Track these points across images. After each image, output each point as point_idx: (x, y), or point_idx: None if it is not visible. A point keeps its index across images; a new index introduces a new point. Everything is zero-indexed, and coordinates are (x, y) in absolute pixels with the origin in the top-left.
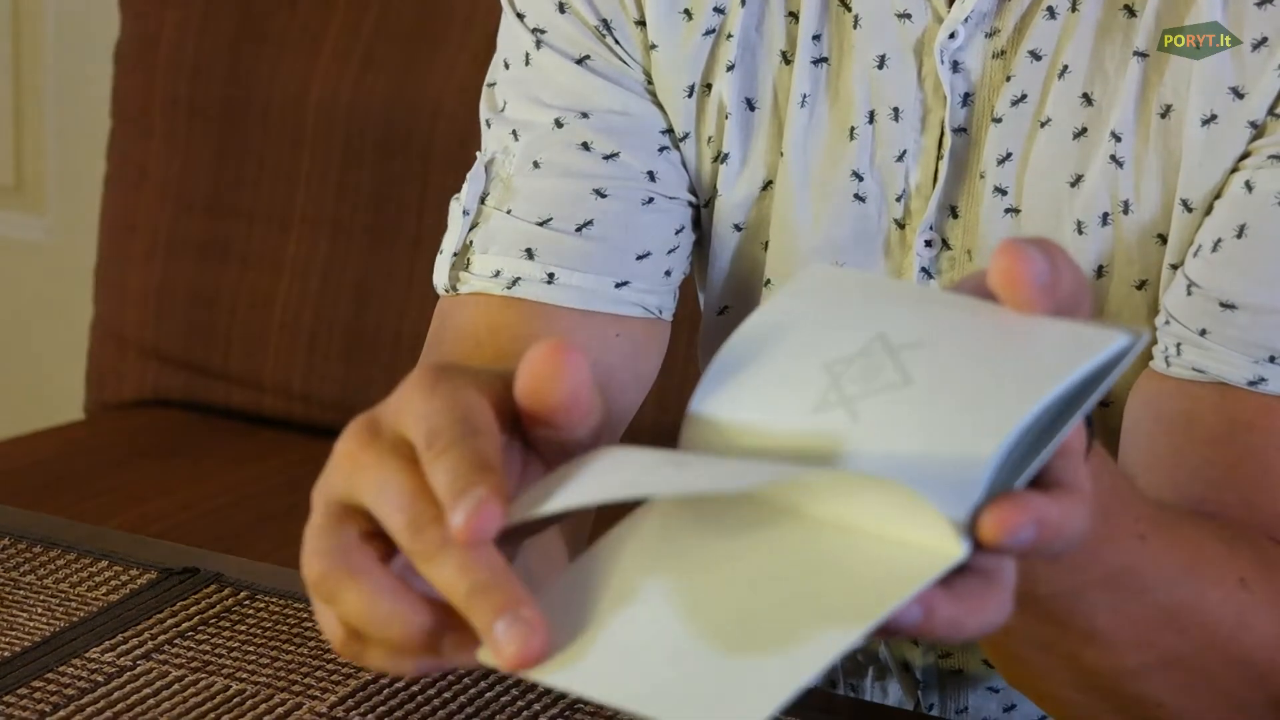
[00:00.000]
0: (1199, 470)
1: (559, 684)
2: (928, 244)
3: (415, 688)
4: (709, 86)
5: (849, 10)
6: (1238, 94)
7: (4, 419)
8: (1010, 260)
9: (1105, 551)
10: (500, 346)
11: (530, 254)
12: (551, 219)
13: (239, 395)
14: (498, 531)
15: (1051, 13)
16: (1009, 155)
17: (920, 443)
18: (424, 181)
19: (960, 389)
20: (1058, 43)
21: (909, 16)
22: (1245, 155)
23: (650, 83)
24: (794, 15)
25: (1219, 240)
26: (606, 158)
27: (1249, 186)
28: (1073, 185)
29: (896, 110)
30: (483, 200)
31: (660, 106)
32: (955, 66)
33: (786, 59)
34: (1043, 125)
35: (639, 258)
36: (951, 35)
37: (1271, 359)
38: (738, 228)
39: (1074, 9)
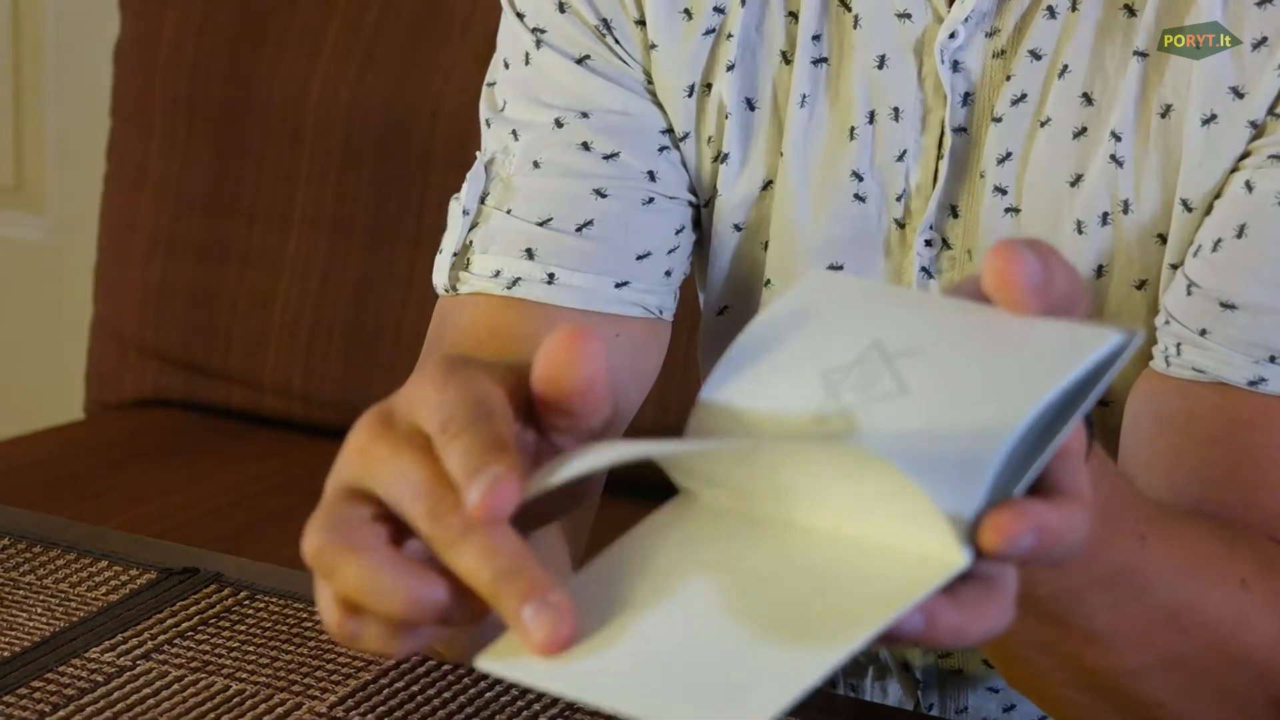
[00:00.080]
0: (1199, 470)
1: (557, 689)
2: (928, 244)
3: (415, 688)
4: (709, 86)
5: (849, 10)
6: (1238, 94)
7: (4, 419)
8: (1002, 261)
9: (1106, 552)
10: (500, 347)
11: (530, 254)
12: (551, 219)
13: (239, 395)
14: (514, 508)
15: (1051, 12)
16: (1009, 155)
17: (918, 452)
18: (424, 181)
19: (957, 396)
20: (1058, 42)
21: (909, 16)
22: (1245, 155)
23: (650, 82)
24: (794, 15)
25: (1219, 240)
26: (606, 158)
27: (1249, 186)
28: (1072, 185)
29: (896, 110)
30: (482, 200)
31: (660, 106)
32: (955, 66)
33: (786, 59)
34: (1043, 125)
35: (639, 258)
36: (952, 35)
37: (1271, 359)
38: (737, 228)
39: (1074, 8)
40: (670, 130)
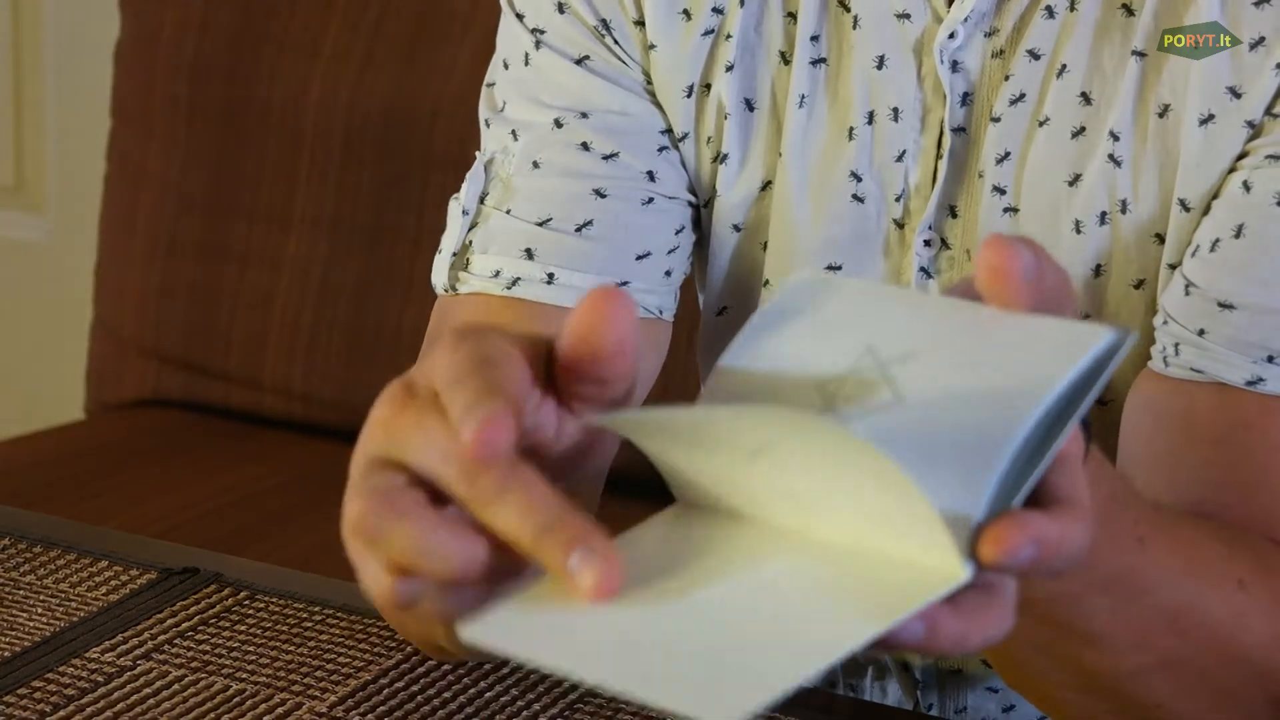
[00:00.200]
0: (1197, 470)
1: (550, 664)
2: (927, 243)
3: (415, 688)
4: (708, 87)
5: (848, 11)
6: (1235, 94)
7: (4, 419)
8: (997, 255)
9: (1104, 555)
10: None
11: (530, 254)
12: (551, 219)
13: (239, 395)
14: (509, 445)
15: (1050, 12)
16: (1007, 154)
17: (917, 464)
18: (424, 181)
19: (953, 404)
20: (1056, 42)
21: (908, 16)
22: (1243, 155)
23: (649, 83)
24: (792, 15)
25: (1217, 240)
26: (606, 158)
27: (1247, 187)
28: (1071, 184)
29: (896, 110)
30: (482, 200)
31: (659, 107)
32: (954, 66)
33: (785, 59)
34: (1041, 124)
35: (639, 258)
36: (951, 35)
37: (1270, 359)
38: (737, 228)
39: (1072, 8)
40: (669, 130)
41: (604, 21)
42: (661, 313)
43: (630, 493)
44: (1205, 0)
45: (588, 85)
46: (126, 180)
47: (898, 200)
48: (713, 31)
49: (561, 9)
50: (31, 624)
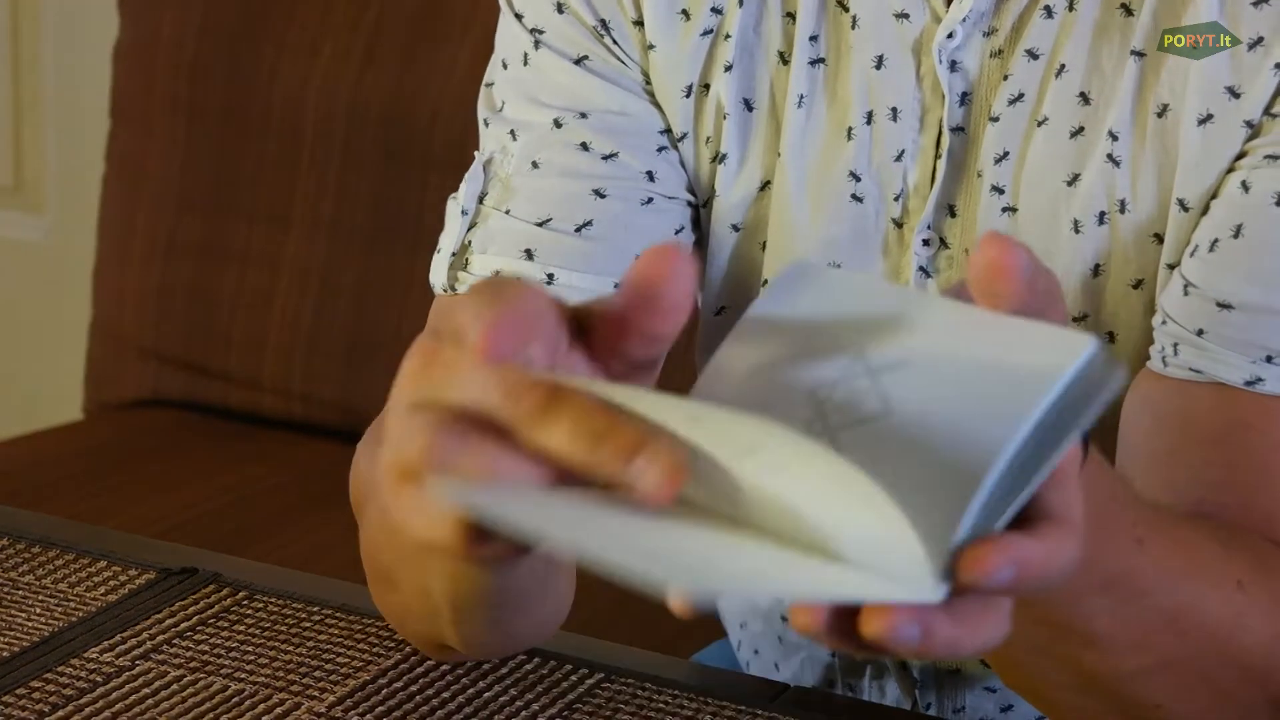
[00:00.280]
0: (1196, 471)
1: (523, 526)
2: (925, 243)
3: (414, 688)
4: (707, 87)
5: (846, 11)
6: (1234, 94)
7: (3, 419)
8: (996, 250)
9: (1103, 557)
10: None
11: (530, 254)
12: (551, 219)
13: (238, 395)
14: (516, 347)
15: (1049, 12)
16: (1006, 154)
17: (901, 481)
18: (423, 182)
19: (942, 420)
20: (1055, 42)
21: (907, 16)
22: (1241, 155)
23: (648, 83)
24: (791, 16)
25: (1216, 240)
26: (605, 158)
27: (1245, 187)
28: (1069, 184)
29: (895, 110)
30: (481, 200)
31: (658, 107)
32: (953, 66)
33: (784, 59)
34: (1040, 124)
35: (638, 258)
36: (950, 35)
37: (1269, 359)
38: (735, 228)
39: (1071, 8)
40: (668, 130)
41: (603, 21)
42: None
43: None
44: (1204, 0)
45: (587, 85)
46: (126, 180)
47: (896, 200)
48: (711, 31)
49: (560, 9)
50: (30, 624)
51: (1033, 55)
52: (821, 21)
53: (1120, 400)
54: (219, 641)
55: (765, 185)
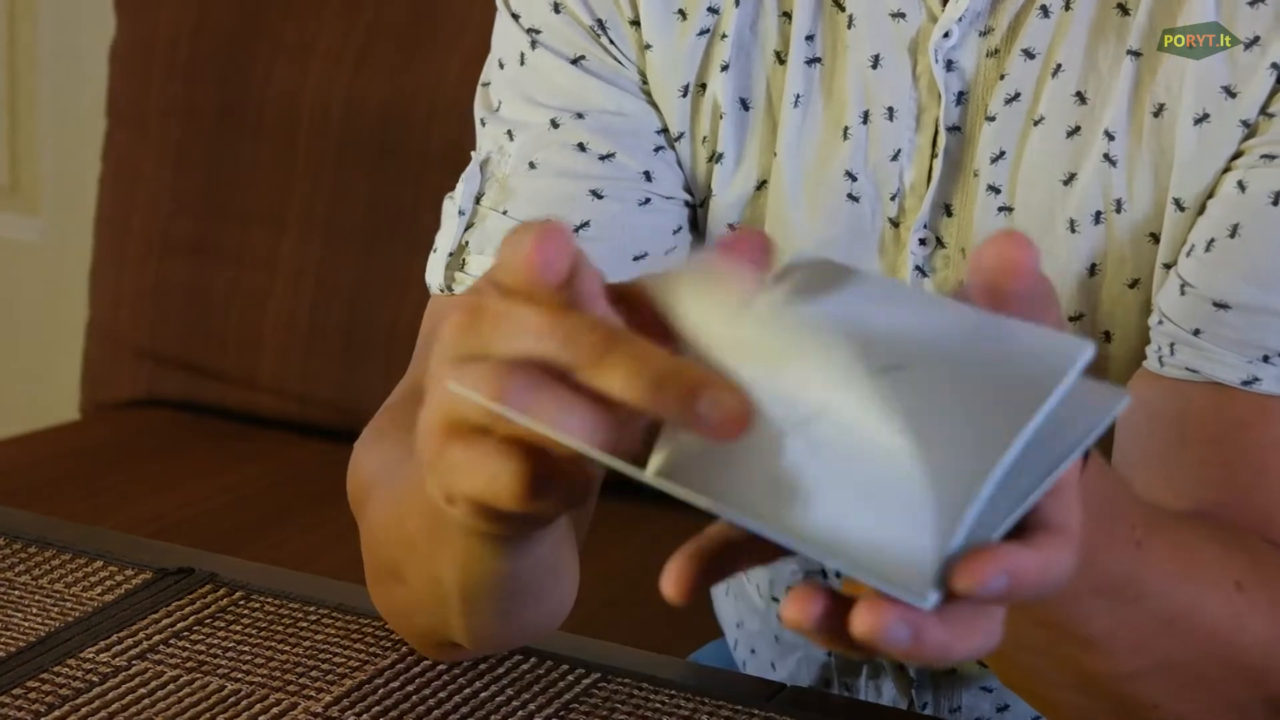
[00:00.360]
0: (1194, 471)
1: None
2: (922, 242)
3: (411, 688)
4: (703, 86)
5: (842, 10)
6: (1230, 93)
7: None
8: (1010, 247)
9: (1102, 559)
10: None
11: None
12: (548, 220)
13: (234, 396)
14: (564, 264)
15: (1045, 11)
16: (1002, 153)
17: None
18: (419, 182)
19: (941, 424)
20: (1051, 41)
21: (903, 16)
22: (1238, 154)
23: (645, 83)
24: (787, 15)
25: (1212, 240)
26: (603, 158)
27: (1241, 186)
28: (1066, 184)
29: (891, 110)
30: (478, 200)
31: (655, 106)
32: (949, 65)
33: (780, 59)
34: (1036, 124)
35: (636, 259)
36: (946, 34)
37: (1265, 358)
38: (732, 228)
39: (1067, 8)
40: (666, 130)
41: (600, 21)
42: None
43: (630, 494)
44: (1200, 0)
45: (584, 85)
46: (121, 181)
47: (893, 199)
48: (708, 31)
49: (557, 9)
50: (26, 624)
51: (1029, 55)
52: (818, 21)
53: None
54: (215, 641)
55: (762, 185)
